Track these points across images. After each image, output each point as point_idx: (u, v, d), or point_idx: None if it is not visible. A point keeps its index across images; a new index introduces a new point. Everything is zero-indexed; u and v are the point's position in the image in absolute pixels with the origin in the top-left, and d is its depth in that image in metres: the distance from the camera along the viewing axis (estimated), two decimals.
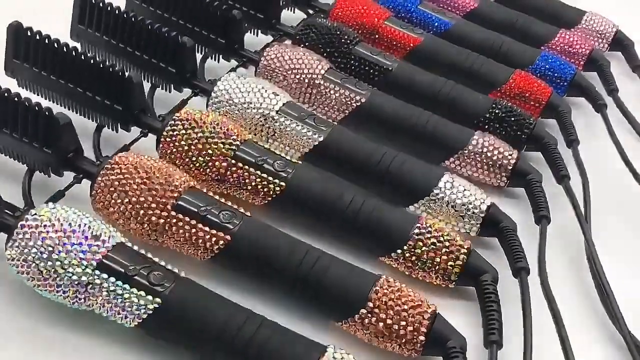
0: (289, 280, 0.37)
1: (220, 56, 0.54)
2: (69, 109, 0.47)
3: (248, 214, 0.39)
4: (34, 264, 0.34)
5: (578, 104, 0.60)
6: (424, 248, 0.40)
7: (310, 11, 0.62)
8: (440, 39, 0.59)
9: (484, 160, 0.48)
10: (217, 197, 0.40)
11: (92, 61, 0.45)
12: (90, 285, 0.34)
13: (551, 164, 0.49)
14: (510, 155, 0.48)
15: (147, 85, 0.50)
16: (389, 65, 0.54)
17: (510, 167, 0.48)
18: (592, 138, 0.56)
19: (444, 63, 0.58)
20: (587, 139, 0.54)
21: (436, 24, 0.62)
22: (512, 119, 0.51)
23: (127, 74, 0.44)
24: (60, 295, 0.34)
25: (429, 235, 0.40)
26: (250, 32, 0.58)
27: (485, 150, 0.48)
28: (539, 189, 0.46)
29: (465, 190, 0.44)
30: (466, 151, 0.48)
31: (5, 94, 0.41)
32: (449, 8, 0.66)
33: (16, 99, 0.41)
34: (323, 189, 0.42)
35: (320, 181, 0.43)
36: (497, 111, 0.52)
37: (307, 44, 0.55)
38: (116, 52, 0.51)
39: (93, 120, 0.47)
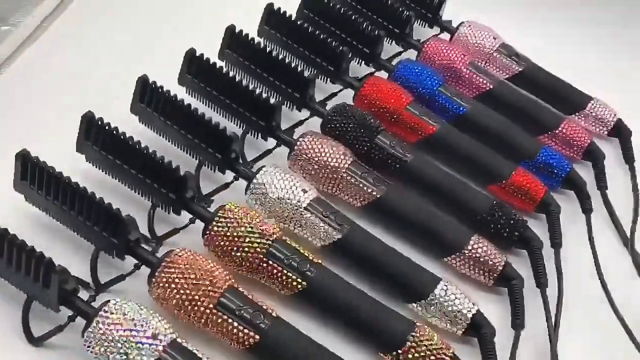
0: None
1: (259, 135, 0.62)
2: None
3: (275, 314, 0.48)
4: (105, 354, 0.43)
5: (570, 194, 0.67)
6: (415, 355, 0.49)
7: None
8: (453, 130, 0.66)
9: (477, 264, 0.56)
10: (251, 296, 0.49)
11: (95, 198, 0.49)
12: None
13: (534, 267, 0.58)
14: (499, 261, 0.56)
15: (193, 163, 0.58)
16: (406, 158, 0.62)
17: (497, 272, 0.56)
18: (578, 234, 0.63)
19: (455, 153, 0.65)
20: (572, 235, 0.62)
21: (453, 107, 0.69)
22: (507, 221, 0.59)
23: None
24: None
25: (420, 343, 0.49)
26: (285, 106, 0.66)
27: (478, 255, 0.56)
28: (518, 295, 0.55)
29: (456, 298, 0.52)
30: (462, 254, 0.57)
31: (87, 193, 0.49)
32: (466, 85, 0.72)
33: (96, 199, 0.49)
34: (338, 289, 0.51)
35: (336, 283, 0.51)
36: (494, 212, 0.60)
37: (334, 127, 0.62)
38: None
39: (147, 199, 0.55)
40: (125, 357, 0.43)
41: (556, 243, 0.60)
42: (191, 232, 0.55)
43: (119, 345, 0.43)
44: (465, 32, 0.76)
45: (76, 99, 0.63)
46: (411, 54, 0.75)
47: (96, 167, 0.56)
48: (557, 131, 0.70)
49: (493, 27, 0.78)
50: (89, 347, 0.44)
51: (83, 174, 0.55)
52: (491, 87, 0.72)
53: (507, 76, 0.75)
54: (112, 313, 0.44)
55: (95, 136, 0.54)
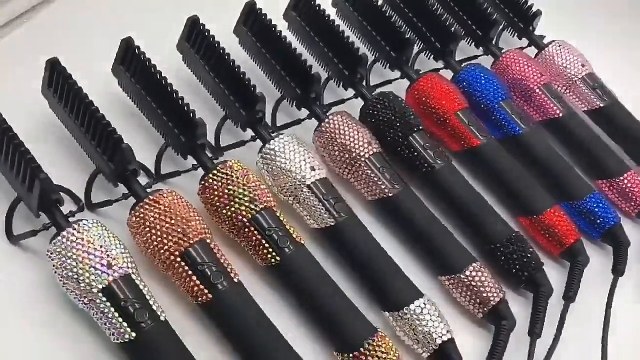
0: (245, 354, 0.46)
1: (295, 103, 0.61)
2: None
3: (236, 280, 0.47)
4: (60, 267, 0.44)
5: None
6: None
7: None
8: (499, 149, 0.62)
9: (470, 292, 0.52)
10: (220, 255, 0.48)
11: (103, 120, 0.49)
12: (92, 301, 0.44)
13: (532, 313, 0.53)
14: (494, 296, 0.52)
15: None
16: (435, 164, 0.58)
17: (489, 307, 0.52)
18: (602, 294, 0.57)
19: (493, 173, 0.61)
20: (594, 294, 0.56)
21: (509, 126, 0.64)
22: (520, 257, 0.55)
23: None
24: (70, 294, 0.45)
25: (374, 352, 0.47)
26: (333, 81, 0.64)
27: (474, 284, 0.52)
28: (503, 337, 0.50)
29: (429, 320, 0.49)
30: (458, 277, 0.53)
31: (97, 113, 0.50)
32: (534, 107, 0.67)
33: (103, 121, 0.49)
34: (308, 274, 0.49)
35: (309, 267, 0.50)
36: (509, 245, 0.55)
37: (371, 113, 0.60)
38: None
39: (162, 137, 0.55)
40: (75, 276, 0.44)
41: (569, 296, 0.55)
42: (195, 178, 0.55)
43: (74, 263, 0.44)
44: (552, 51, 0.71)
45: (131, 24, 0.63)
46: (488, 61, 0.70)
47: (125, 93, 0.57)
48: (618, 180, 0.64)
49: (588, 53, 0.72)
50: (50, 257, 0.45)
51: (115, 97, 0.56)
52: (560, 115, 0.66)
53: (585, 109, 0.69)
54: (78, 232, 0.45)
55: (130, 62, 0.55)
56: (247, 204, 0.50)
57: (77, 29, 0.65)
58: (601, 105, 0.68)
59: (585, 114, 0.69)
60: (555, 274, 0.58)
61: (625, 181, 0.63)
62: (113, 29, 0.58)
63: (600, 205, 0.60)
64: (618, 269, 0.57)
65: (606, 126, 0.69)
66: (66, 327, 0.46)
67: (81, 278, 0.44)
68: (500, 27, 0.72)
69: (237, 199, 0.50)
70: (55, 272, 0.45)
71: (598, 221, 0.60)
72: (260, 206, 0.50)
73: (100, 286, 0.44)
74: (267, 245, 0.49)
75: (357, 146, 0.56)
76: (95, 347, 0.46)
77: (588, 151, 0.65)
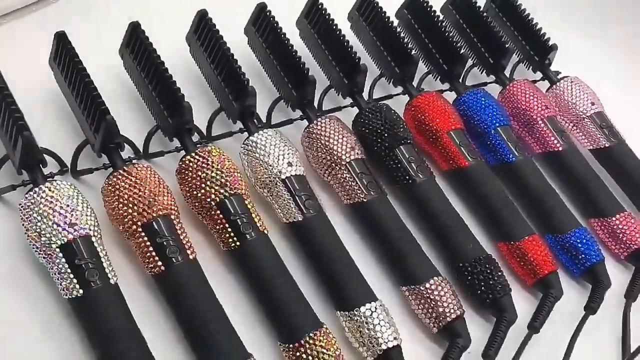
0: (189, 332, 0.47)
1: (290, 104, 0.62)
2: None
3: (192, 257, 0.49)
4: (27, 220, 0.47)
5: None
6: (303, 354, 0.46)
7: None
8: (487, 172, 0.61)
9: (427, 305, 0.52)
10: (181, 232, 0.49)
11: (94, 92, 0.51)
12: (49, 255, 0.46)
13: (490, 337, 0.52)
14: (451, 312, 0.51)
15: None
16: (417, 178, 0.58)
17: (445, 322, 0.51)
18: (568, 329, 0.55)
19: (477, 194, 0.60)
20: (567, 332, 0.54)
21: (503, 152, 0.63)
22: (486, 279, 0.54)
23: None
24: (32, 247, 0.47)
25: (314, 345, 0.47)
26: (334, 90, 0.65)
27: (432, 297, 0.52)
28: (455, 355, 0.50)
29: (378, 324, 0.49)
30: (417, 289, 0.53)
31: (90, 85, 0.52)
32: (535, 139, 0.66)
33: (94, 93, 0.52)
34: (264, 262, 0.50)
35: (267, 255, 0.50)
36: (477, 265, 0.54)
37: (363, 122, 0.61)
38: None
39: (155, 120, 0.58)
40: (38, 230, 0.46)
41: (534, 326, 0.53)
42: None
43: (39, 218, 0.46)
44: (563, 87, 0.70)
45: (152, 11, 0.66)
46: (498, 89, 0.70)
47: (128, 75, 0.60)
48: (610, 220, 0.62)
49: (602, 93, 0.71)
50: (20, 210, 0.48)
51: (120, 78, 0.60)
52: (560, 149, 0.65)
53: (590, 147, 0.68)
54: (49, 190, 0.47)
55: (134, 45, 0.58)
56: (217, 187, 0.51)
57: (98, 11, 0.69)
58: (607, 145, 0.67)
59: (591, 152, 0.68)
60: (527, 305, 0.56)
61: (617, 222, 0.62)
62: (134, 13, 0.61)
63: (584, 241, 0.59)
64: (591, 307, 0.55)
65: (610, 167, 0.67)
66: (25, 278, 0.49)
67: (43, 232, 0.46)
68: (516, 58, 0.72)
69: (208, 182, 0.51)
70: (22, 224, 0.47)
71: (580, 257, 0.58)
72: (230, 192, 0.51)
73: (59, 242, 0.46)
74: (229, 229, 0.51)
75: (339, 149, 0.57)
76: (48, 300, 0.48)
77: (584, 188, 0.64)
